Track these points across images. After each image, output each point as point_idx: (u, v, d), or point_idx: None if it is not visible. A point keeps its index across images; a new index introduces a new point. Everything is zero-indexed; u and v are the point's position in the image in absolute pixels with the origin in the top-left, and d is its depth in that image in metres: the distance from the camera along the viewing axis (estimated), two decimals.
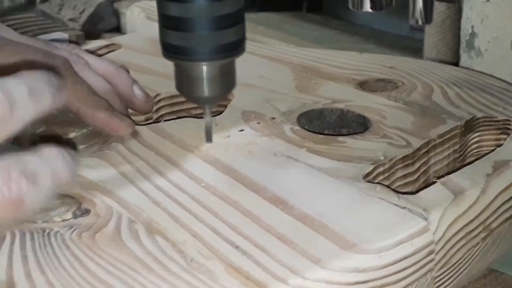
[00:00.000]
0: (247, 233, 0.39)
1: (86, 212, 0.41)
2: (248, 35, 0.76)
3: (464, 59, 0.68)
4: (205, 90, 0.46)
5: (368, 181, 0.45)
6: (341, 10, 0.95)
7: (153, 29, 0.76)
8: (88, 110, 0.49)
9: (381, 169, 0.47)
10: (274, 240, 0.39)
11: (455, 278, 0.42)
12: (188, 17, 0.43)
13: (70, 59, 0.51)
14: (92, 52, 0.68)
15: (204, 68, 0.45)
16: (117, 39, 0.76)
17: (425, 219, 0.40)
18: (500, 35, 0.65)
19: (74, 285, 0.35)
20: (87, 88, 0.50)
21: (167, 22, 0.45)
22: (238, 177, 0.45)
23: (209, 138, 0.49)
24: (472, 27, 0.66)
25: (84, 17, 0.86)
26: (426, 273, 0.40)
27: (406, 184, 0.49)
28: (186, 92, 0.47)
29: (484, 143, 0.54)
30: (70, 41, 0.70)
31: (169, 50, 0.46)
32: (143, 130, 0.52)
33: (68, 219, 0.41)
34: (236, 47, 0.45)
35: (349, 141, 0.50)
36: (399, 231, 0.39)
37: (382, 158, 0.47)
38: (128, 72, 0.59)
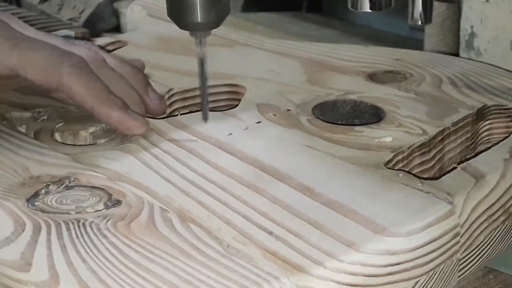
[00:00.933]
0: (278, 219, 0.40)
1: (118, 202, 0.42)
2: (248, 34, 0.77)
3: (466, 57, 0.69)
4: (198, 15, 0.44)
5: (389, 168, 0.46)
6: (340, 10, 0.96)
7: (156, 26, 0.78)
8: (102, 109, 0.49)
9: (400, 156, 0.48)
10: (306, 226, 0.39)
11: (477, 260, 0.44)
12: None
13: (88, 56, 0.52)
14: (102, 48, 0.69)
15: None
16: (121, 36, 0.77)
17: (450, 203, 0.41)
18: (500, 35, 0.66)
19: (116, 271, 0.36)
20: (102, 86, 0.50)
21: None
22: (262, 167, 0.46)
23: (205, 115, 0.49)
24: (472, 27, 0.68)
25: (84, 17, 0.86)
26: (452, 255, 0.41)
27: (422, 171, 0.50)
28: (178, 18, 0.45)
29: (494, 131, 0.55)
30: (81, 38, 0.70)
31: None
32: (161, 123, 0.53)
33: (101, 210, 0.41)
34: None
35: (366, 130, 0.51)
36: (426, 215, 0.40)
37: (390, 139, 0.48)
38: (144, 68, 0.60)
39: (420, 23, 0.58)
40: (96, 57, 0.53)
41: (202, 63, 0.48)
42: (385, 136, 0.49)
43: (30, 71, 0.49)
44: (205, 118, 0.50)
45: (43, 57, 0.50)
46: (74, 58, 0.50)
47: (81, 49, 0.53)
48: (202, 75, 0.48)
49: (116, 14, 0.92)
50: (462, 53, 0.69)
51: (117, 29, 0.92)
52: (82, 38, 0.72)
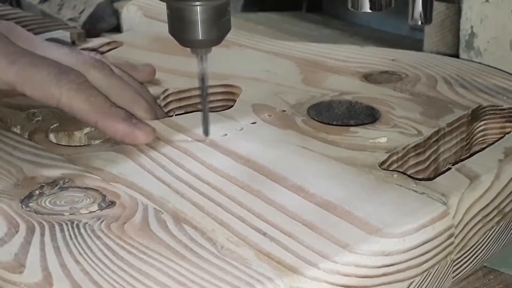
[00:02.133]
0: (273, 220, 0.40)
1: (112, 203, 0.42)
2: (248, 34, 0.76)
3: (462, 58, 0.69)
4: (200, 33, 0.45)
5: (384, 169, 0.46)
6: (340, 10, 0.96)
7: (153, 26, 0.78)
8: (106, 122, 0.49)
9: (395, 157, 0.48)
10: (300, 227, 0.39)
11: (472, 261, 0.44)
12: None
13: (94, 65, 0.52)
14: (94, 49, 0.69)
15: (198, 9, 0.44)
16: (117, 36, 0.77)
17: (444, 203, 0.41)
18: (500, 35, 0.66)
19: (110, 273, 0.36)
20: (103, 100, 0.50)
21: None
22: (257, 168, 0.46)
23: (206, 130, 0.50)
24: (472, 27, 0.68)
25: (84, 17, 0.86)
26: (446, 256, 0.41)
27: (417, 172, 0.50)
28: (179, 35, 0.45)
29: (489, 131, 0.55)
30: (77, 39, 0.70)
31: None
32: (156, 124, 0.52)
33: (95, 211, 0.41)
34: None
35: (361, 131, 0.51)
36: (420, 215, 0.40)
37: (384, 140, 0.48)
38: (154, 73, 0.61)
39: (420, 23, 0.58)
40: (102, 66, 0.53)
41: (203, 79, 0.48)
42: (380, 136, 0.49)
43: (28, 88, 0.49)
44: (206, 133, 0.50)
45: (41, 74, 0.50)
46: (71, 75, 0.50)
47: (86, 59, 0.53)
48: (204, 91, 0.49)
49: (116, 14, 0.92)
50: (462, 53, 0.69)
51: (117, 29, 0.91)
52: (78, 38, 0.71)
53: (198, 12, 0.44)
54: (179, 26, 0.45)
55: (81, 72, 0.51)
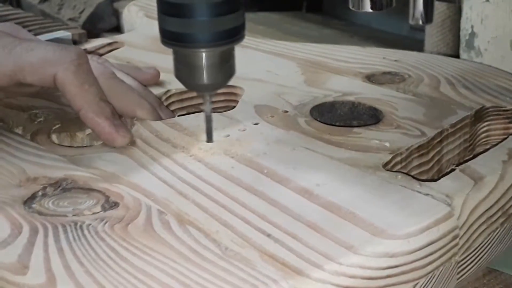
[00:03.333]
0: (277, 222, 0.40)
1: (115, 205, 0.42)
2: (247, 34, 0.76)
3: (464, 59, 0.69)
4: (205, 77, 0.45)
5: (388, 170, 0.46)
6: (341, 10, 0.96)
7: (154, 27, 0.77)
8: (89, 114, 0.49)
9: (398, 158, 0.48)
10: (305, 228, 0.39)
11: (476, 263, 0.43)
12: (187, 3, 0.43)
13: (97, 69, 0.51)
14: (94, 51, 0.68)
15: (204, 55, 0.45)
16: (118, 37, 0.76)
17: (449, 205, 0.41)
18: (500, 35, 0.66)
19: (114, 274, 0.35)
20: (96, 91, 0.50)
21: (166, 9, 0.44)
22: (260, 169, 0.46)
23: (209, 137, 0.49)
24: (472, 27, 0.68)
25: (84, 17, 0.86)
26: (450, 258, 0.41)
27: (420, 173, 0.50)
28: (185, 79, 0.46)
29: (492, 132, 0.55)
30: (78, 39, 0.70)
31: (168, 37, 0.45)
32: (158, 125, 0.52)
33: (98, 212, 0.41)
34: (236, 33, 0.45)
35: (364, 132, 0.51)
36: (425, 217, 0.40)
37: (387, 144, 0.48)
38: (159, 75, 0.61)
39: (421, 22, 0.58)
40: (104, 71, 0.52)
41: (209, 120, 0.48)
42: (384, 140, 0.49)
43: (27, 73, 0.48)
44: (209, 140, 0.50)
45: (37, 56, 0.49)
46: (72, 54, 0.49)
47: (91, 63, 0.52)
48: (209, 131, 0.49)
49: (116, 14, 0.91)
50: (462, 53, 0.68)
51: (117, 29, 0.91)
52: (79, 39, 0.71)
53: (204, 57, 0.44)
54: (184, 70, 0.46)
55: (83, 51, 0.50)
